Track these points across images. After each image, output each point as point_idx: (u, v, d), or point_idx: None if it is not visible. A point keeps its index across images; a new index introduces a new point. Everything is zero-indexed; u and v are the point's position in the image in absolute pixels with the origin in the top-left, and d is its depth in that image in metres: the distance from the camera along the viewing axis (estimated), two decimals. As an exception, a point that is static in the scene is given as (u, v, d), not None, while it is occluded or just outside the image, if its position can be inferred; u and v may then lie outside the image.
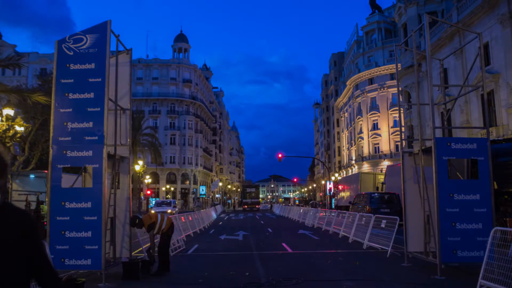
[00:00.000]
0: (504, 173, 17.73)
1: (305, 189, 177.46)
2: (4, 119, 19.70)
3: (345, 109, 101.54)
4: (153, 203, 63.00)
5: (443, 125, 36.35)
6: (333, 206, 64.46)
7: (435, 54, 41.25)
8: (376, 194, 33.33)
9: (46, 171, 17.38)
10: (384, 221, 16.83)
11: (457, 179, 11.96)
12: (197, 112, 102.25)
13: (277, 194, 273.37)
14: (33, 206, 17.20)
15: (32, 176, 22.92)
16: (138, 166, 51.11)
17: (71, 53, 11.43)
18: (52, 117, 11.22)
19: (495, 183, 16.20)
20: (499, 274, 7.90)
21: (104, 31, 11.42)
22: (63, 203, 10.76)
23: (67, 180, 11.60)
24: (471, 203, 10.91)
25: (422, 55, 26.05)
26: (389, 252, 15.03)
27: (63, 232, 10.62)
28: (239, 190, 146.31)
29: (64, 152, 11.00)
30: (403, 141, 14.84)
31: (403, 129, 16.14)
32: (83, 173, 12.08)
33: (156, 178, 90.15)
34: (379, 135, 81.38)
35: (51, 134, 11.17)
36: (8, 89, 29.19)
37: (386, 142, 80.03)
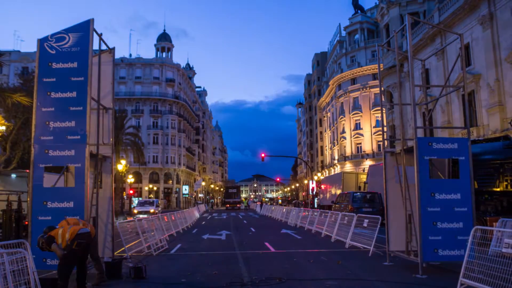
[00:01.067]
0: (484, 173, 17.97)
1: (288, 188, 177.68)
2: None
3: (327, 109, 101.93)
4: (136, 202, 62.69)
5: (425, 125, 36.83)
6: (315, 206, 64.85)
7: (417, 54, 41.61)
8: (358, 193, 33.57)
9: (27, 171, 17.20)
10: (366, 220, 16.90)
11: (438, 178, 12.09)
12: (180, 112, 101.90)
13: (260, 193, 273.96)
14: (14, 206, 17.01)
15: (13, 175, 22.66)
16: (121, 166, 50.78)
17: (53, 52, 11.36)
18: (34, 116, 11.15)
19: (475, 182, 16.43)
20: (480, 272, 7.99)
21: (87, 29, 11.35)
22: (45, 203, 10.70)
23: (49, 180, 11.52)
24: (452, 203, 11.02)
25: (404, 55, 26.25)
26: (371, 251, 15.13)
27: (44, 232, 10.55)
28: (222, 189, 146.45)
29: (46, 151, 10.94)
30: (385, 141, 14.93)
31: (385, 129, 16.27)
32: (65, 173, 12.03)
33: (139, 178, 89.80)
34: (362, 135, 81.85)
35: (32, 133, 11.09)
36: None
37: (368, 141, 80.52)
